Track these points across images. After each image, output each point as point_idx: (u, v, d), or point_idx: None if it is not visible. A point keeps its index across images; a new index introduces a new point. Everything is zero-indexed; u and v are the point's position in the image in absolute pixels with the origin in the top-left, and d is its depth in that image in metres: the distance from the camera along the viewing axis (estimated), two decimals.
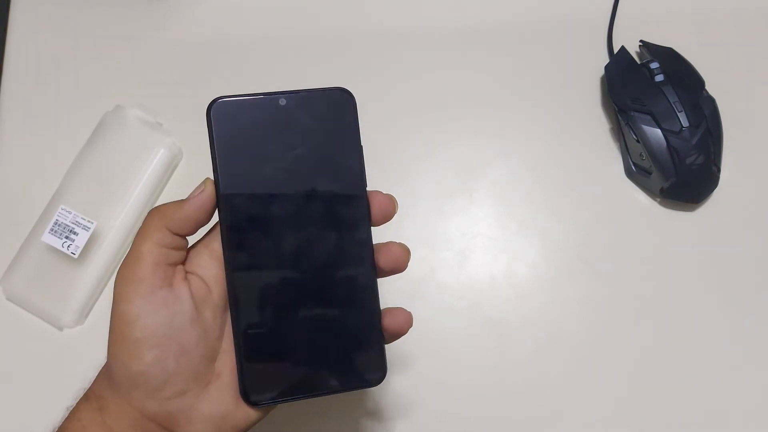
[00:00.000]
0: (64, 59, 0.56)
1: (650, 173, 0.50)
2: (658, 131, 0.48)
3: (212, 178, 0.31)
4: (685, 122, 0.48)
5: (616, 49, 0.53)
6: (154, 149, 0.50)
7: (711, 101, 0.50)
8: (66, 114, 0.54)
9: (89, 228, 0.47)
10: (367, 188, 0.31)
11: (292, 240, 0.31)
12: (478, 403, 0.48)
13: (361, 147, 0.31)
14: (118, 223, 0.49)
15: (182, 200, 0.31)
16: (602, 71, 0.53)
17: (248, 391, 0.31)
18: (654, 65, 0.50)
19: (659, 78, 0.49)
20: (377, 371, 0.31)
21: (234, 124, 0.31)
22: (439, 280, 0.50)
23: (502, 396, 0.48)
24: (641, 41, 0.53)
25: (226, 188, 0.30)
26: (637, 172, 0.51)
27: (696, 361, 0.48)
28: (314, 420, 0.47)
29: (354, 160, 0.31)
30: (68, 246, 0.47)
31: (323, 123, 0.31)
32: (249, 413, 0.31)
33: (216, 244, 0.31)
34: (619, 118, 0.51)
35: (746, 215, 0.51)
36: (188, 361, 0.29)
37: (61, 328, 0.50)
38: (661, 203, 0.51)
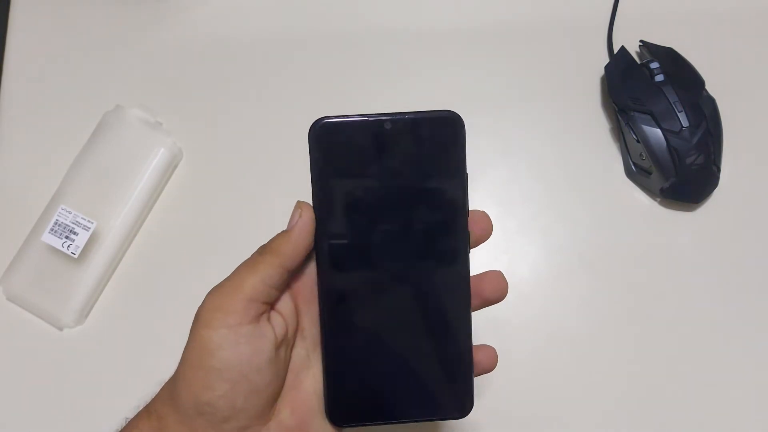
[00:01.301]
0: (64, 59, 0.56)
1: (650, 173, 0.50)
2: (658, 131, 0.48)
3: (302, 202, 0.30)
4: (685, 122, 0.48)
5: (616, 49, 0.53)
6: (154, 149, 0.50)
7: (711, 101, 0.50)
8: (66, 114, 0.54)
9: (89, 228, 0.47)
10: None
11: (390, 268, 0.30)
12: (478, 403, 0.48)
13: (466, 175, 0.30)
14: (118, 223, 0.49)
15: (285, 231, 0.30)
16: (602, 71, 0.53)
17: (334, 412, 0.31)
18: (654, 65, 0.50)
19: (659, 78, 0.49)
20: (464, 403, 0.31)
21: (336, 146, 0.29)
22: None
23: (502, 396, 0.48)
24: (641, 41, 0.53)
25: (323, 212, 0.30)
26: (637, 172, 0.51)
27: (696, 360, 0.48)
28: None
29: (458, 188, 0.30)
30: (68, 246, 0.47)
31: (429, 148, 0.29)
32: None
33: (293, 279, 0.31)
34: (619, 118, 0.51)
35: (746, 215, 0.51)
36: (257, 400, 0.29)
37: (61, 328, 0.50)
38: (661, 203, 0.51)
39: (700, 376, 0.48)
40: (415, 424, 0.31)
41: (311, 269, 0.31)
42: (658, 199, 0.51)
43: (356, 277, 0.30)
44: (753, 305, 0.49)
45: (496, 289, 0.33)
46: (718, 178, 0.50)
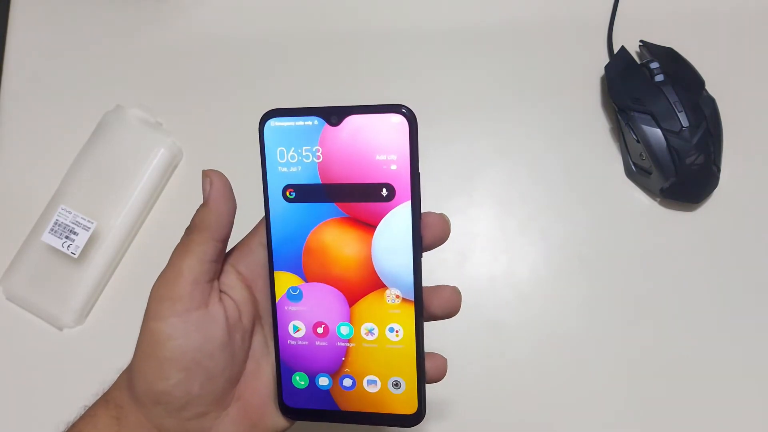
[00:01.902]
0: (64, 59, 0.56)
1: (650, 173, 0.50)
2: (658, 131, 0.48)
3: (207, 170, 0.31)
4: (685, 122, 0.48)
5: (616, 49, 0.53)
6: (154, 149, 0.50)
7: (711, 101, 0.50)
8: (66, 114, 0.54)
9: (89, 228, 0.47)
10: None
11: (340, 262, 0.30)
12: (478, 403, 0.48)
13: (417, 174, 0.29)
14: (118, 222, 0.49)
15: (203, 204, 0.30)
16: (602, 71, 0.53)
17: (285, 404, 0.31)
18: (654, 65, 0.50)
19: (659, 78, 0.49)
20: (416, 411, 0.31)
21: (285, 138, 0.29)
22: (438, 280, 0.49)
23: (501, 396, 0.48)
24: (641, 41, 0.53)
25: (273, 206, 0.30)
26: (637, 172, 0.51)
27: (695, 360, 0.48)
28: None
29: (407, 187, 0.29)
30: (68, 246, 0.47)
31: (378, 143, 0.29)
32: None
33: (242, 266, 0.31)
34: (619, 118, 0.51)
35: (746, 215, 0.51)
36: (213, 386, 0.29)
37: (61, 328, 0.50)
38: (661, 203, 0.51)
39: (700, 375, 0.48)
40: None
41: (264, 260, 0.31)
42: (658, 199, 0.51)
43: (306, 270, 0.30)
44: (753, 305, 0.49)
45: (446, 306, 0.30)
46: (718, 178, 0.50)
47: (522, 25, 0.55)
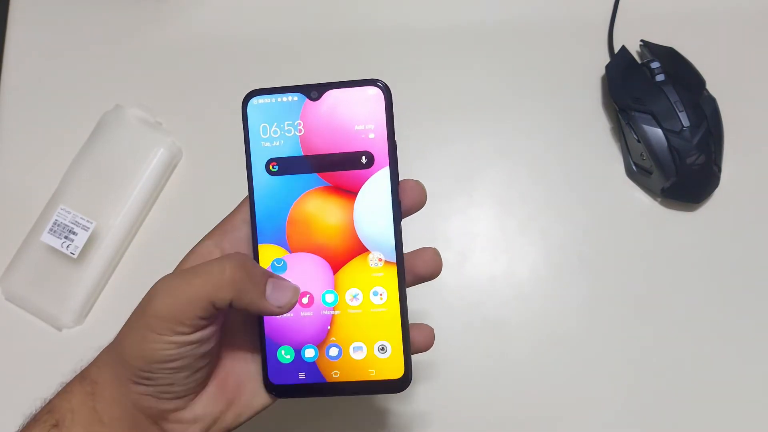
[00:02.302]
0: (64, 59, 0.56)
1: (651, 173, 0.50)
2: (659, 131, 0.48)
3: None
4: (685, 122, 0.48)
5: (616, 49, 0.53)
6: (153, 149, 0.50)
7: (712, 101, 0.50)
8: (66, 114, 0.54)
9: (89, 228, 0.47)
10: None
11: (323, 229, 0.31)
12: (478, 402, 0.48)
13: (394, 142, 0.31)
14: (117, 222, 0.49)
15: (262, 293, 0.29)
16: (603, 71, 0.53)
17: (271, 382, 0.31)
18: (655, 65, 0.50)
19: (660, 78, 0.49)
20: (402, 376, 0.31)
21: (267, 115, 0.31)
22: (438, 280, 0.49)
23: (501, 396, 0.48)
24: (642, 41, 0.53)
25: (257, 175, 0.31)
26: (637, 172, 0.51)
27: (696, 360, 0.48)
28: (315, 417, 0.47)
29: (386, 155, 0.31)
30: (67, 246, 0.47)
31: (356, 115, 0.30)
32: (239, 414, 0.31)
33: (226, 243, 0.31)
34: (620, 117, 0.50)
35: (747, 215, 0.50)
36: (197, 376, 0.29)
37: (60, 328, 0.50)
38: (661, 203, 0.51)
39: (700, 375, 0.47)
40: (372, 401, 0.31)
41: (248, 236, 0.31)
42: (659, 199, 0.51)
43: (289, 241, 0.31)
44: (753, 305, 0.49)
45: (429, 266, 0.32)
46: (718, 178, 0.50)
47: (522, 25, 0.55)
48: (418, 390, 0.48)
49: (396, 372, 0.31)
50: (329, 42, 0.56)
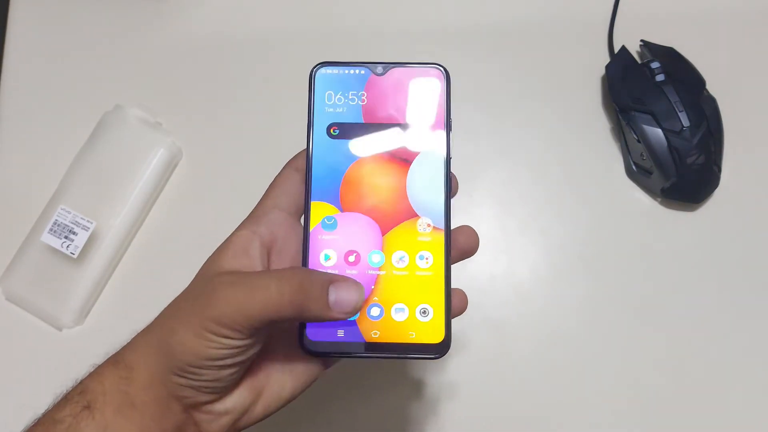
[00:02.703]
0: (64, 59, 0.56)
1: (651, 173, 0.50)
2: (659, 131, 0.48)
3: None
4: (685, 122, 0.48)
5: (616, 49, 0.53)
6: (153, 149, 0.50)
7: (712, 101, 0.50)
8: (66, 114, 0.54)
9: (89, 228, 0.47)
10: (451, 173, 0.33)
11: (376, 192, 0.32)
12: (478, 402, 0.48)
13: (450, 122, 0.33)
14: (117, 222, 0.49)
15: (327, 303, 0.28)
16: (603, 71, 0.53)
17: (308, 338, 0.31)
18: (655, 65, 0.50)
19: (660, 78, 0.49)
20: (442, 341, 0.31)
21: (333, 84, 0.33)
22: None
23: (502, 396, 0.48)
24: (642, 41, 0.53)
25: (318, 137, 0.32)
26: (637, 172, 0.51)
27: (696, 360, 0.48)
28: (319, 409, 0.47)
29: (441, 135, 0.33)
30: (68, 246, 0.47)
31: (416, 95, 0.33)
32: (268, 406, 0.31)
33: (263, 227, 0.31)
34: (620, 117, 0.50)
35: (747, 215, 0.50)
36: (239, 374, 0.30)
37: (60, 328, 0.50)
38: (661, 203, 0.51)
39: (700, 375, 0.47)
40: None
41: (283, 222, 0.32)
42: (659, 199, 0.51)
43: (342, 204, 0.32)
44: (753, 305, 0.49)
45: (471, 240, 0.33)
46: (718, 178, 0.50)
47: (522, 25, 0.55)
48: (417, 389, 0.48)
49: (436, 336, 0.31)
50: (330, 42, 0.56)
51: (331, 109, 0.33)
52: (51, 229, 0.47)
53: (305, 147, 0.33)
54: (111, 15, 0.57)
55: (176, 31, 0.56)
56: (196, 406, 0.30)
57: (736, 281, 0.49)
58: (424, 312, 0.31)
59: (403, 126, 0.32)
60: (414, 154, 0.32)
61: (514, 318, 0.49)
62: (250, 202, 0.52)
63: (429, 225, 0.32)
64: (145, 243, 0.52)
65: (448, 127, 0.33)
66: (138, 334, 0.31)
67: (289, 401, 0.32)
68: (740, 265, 0.49)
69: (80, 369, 0.52)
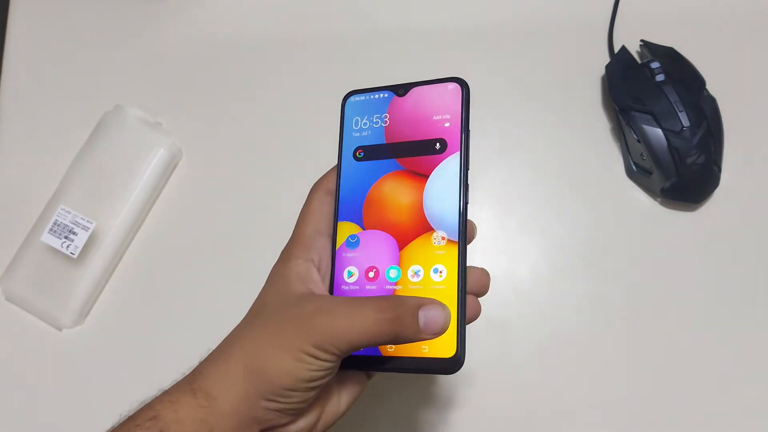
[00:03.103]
0: (64, 59, 0.56)
1: (651, 173, 0.50)
2: (659, 131, 0.48)
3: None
4: (685, 122, 0.48)
5: (616, 49, 0.53)
6: (153, 149, 0.50)
7: (712, 101, 0.50)
8: (66, 114, 0.54)
9: (89, 228, 0.47)
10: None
11: (394, 208, 0.33)
12: (478, 402, 0.48)
13: (468, 130, 0.33)
14: (117, 222, 0.49)
15: (417, 325, 0.29)
16: (603, 71, 0.53)
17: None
18: (655, 65, 0.50)
19: (660, 78, 0.49)
20: (454, 355, 0.31)
21: (360, 110, 0.35)
22: None
23: (502, 396, 0.48)
24: (642, 41, 0.53)
25: (345, 162, 0.34)
26: (637, 172, 0.51)
27: (696, 360, 0.48)
28: None
29: (457, 137, 0.33)
30: (67, 246, 0.47)
31: (434, 107, 0.33)
32: (327, 422, 0.32)
33: (314, 256, 0.33)
34: (620, 117, 0.50)
35: (747, 215, 0.50)
36: (319, 394, 0.31)
37: (60, 328, 0.50)
38: (661, 203, 0.51)
39: (700, 375, 0.47)
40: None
41: (328, 247, 0.33)
42: (659, 199, 0.51)
43: (364, 222, 0.33)
44: (753, 305, 0.49)
45: (479, 284, 0.34)
46: (718, 178, 0.50)
47: (522, 25, 0.55)
48: (418, 389, 0.48)
49: (448, 351, 0.31)
50: (329, 42, 0.56)
51: (358, 134, 0.34)
52: (51, 229, 0.47)
53: (332, 169, 0.34)
54: (111, 15, 0.57)
55: (176, 32, 0.56)
56: (273, 428, 0.30)
57: (736, 281, 0.49)
58: None
59: (421, 142, 0.33)
60: (431, 168, 0.33)
61: (514, 318, 0.49)
62: (249, 202, 0.52)
63: (443, 238, 0.32)
64: (145, 243, 0.52)
65: (465, 137, 0.33)
66: (212, 360, 0.31)
67: (342, 415, 0.33)
68: (740, 265, 0.49)
69: (80, 369, 0.52)
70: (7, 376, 0.49)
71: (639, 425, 0.47)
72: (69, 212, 0.47)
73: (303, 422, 0.31)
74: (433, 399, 0.48)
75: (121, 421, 0.30)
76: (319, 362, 0.28)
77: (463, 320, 0.31)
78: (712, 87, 0.50)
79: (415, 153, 0.33)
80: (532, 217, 0.51)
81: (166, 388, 0.31)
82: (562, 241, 0.50)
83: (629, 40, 0.53)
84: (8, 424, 0.49)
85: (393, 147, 0.33)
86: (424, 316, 0.29)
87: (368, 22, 0.56)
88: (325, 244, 0.33)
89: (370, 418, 0.47)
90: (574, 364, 0.48)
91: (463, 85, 0.34)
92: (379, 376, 0.48)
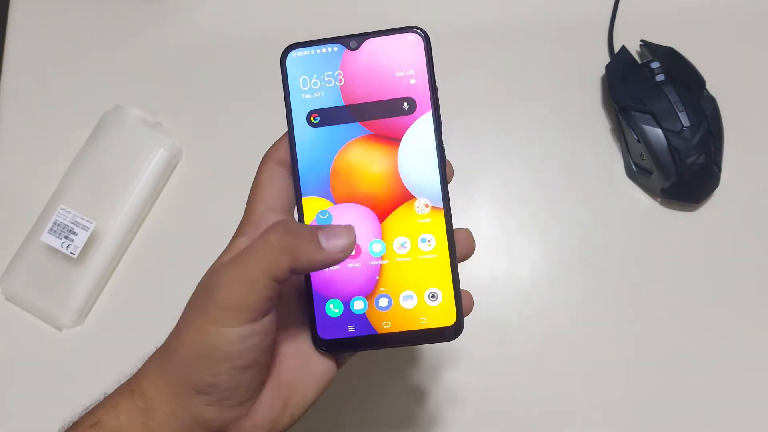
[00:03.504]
0: (64, 59, 0.56)
1: (651, 173, 0.50)
2: (659, 131, 0.48)
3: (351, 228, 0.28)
4: (685, 122, 0.48)
5: (616, 49, 0.53)
6: (153, 149, 0.50)
7: (712, 101, 0.50)
8: (66, 114, 0.54)
9: (88, 228, 0.47)
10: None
11: (367, 178, 0.30)
12: (478, 402, 0.48)
13: (436, 89, 0.31)
14: (117, 222, 0.49)
15: (318, 244, 0.27)
16: (603, 71, 0.53)
17: (320, 337, 0.30)
18: (655, 65, 0.50)
19: (660, 78, 0.49)
20: (454, 323, 0.30)
21: (306, 67, 0.31)
22: None
23: (502, 396, 0.48)
24: (642, 41, 0.53)
25: (298, 128, 0.31)
26: (637, 172, 0.51)
27: (696, 360, 0.48)
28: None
29: (428, 104, 0.30)
30: (67, 246, 0.47)
31: (396, 64, 0.30)
32: (293, 414, 0.30)
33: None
34: (620, 117, 0.50)
35: (747, 215, 0.50)
36: (262, 375, 0.29)
37: (60, 328, 0.50)
38: (661, 203, 0.51)
39: (700, 375, 0.47)
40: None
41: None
42: (659, 199, 0.51)
43: (336, 196, 0.30)
44: (753, 305, 0.49)
45: (465, 245, 0.31)
46: (718, 178, 0.50)
47: (522, 25, 0.55)
48: (418, 389, 0.48)
49: (448, 319, 0.30)
50: None
51: (309, 95, 0.31)
52: (51, 229, 0.47)
53: (283, 137, 0.31)
54: (111, 15, 0.57)
55: (176, 32, 0.56)
56: (224, 428, 0.28)
57: (736, 281, 0.49)
58: (433, 296, 0.30)
59: (386, 102, 0.30)
60: (402, 131, 0.30)
61: (514, 318, 0.49)
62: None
63: (427, 205, 0.30)
64: (145, 243, 0.52)
65: (434, 94, 0.30)
66: (149, 358, 0.29)
67: (312, 405, 0.31)
68: (740, 265, 0.49)
69: (80, 369, 0.52)
70: (7, 376, 0.49)
71: (639, 425, 0.47)
72: (69, 212, 0.47)
73: (260, 416, 0.29)
74: (431, 397, 0.48)
75: (64, 428, 0.29)
76: (233, 329, 0.26)
77: (458, 287, 0.30)
78: (712, 87, 0.50)
79: (380, 115, 0.30)
80: (532, 217, 0.51)
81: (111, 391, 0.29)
82: (562, 241, 0.50)
83: (629, 40, 0.53)
84: (8, 424, 0.49)
85: (354, 109, 0.30)
86: (325, 236, 0.27)
87: (368, 23, 0.56)
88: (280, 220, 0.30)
89: (365, 416, 0.47)
90: (574, 364, 0.48)
91: (424, 35, 0.31)
92: (373, 373, 0.48)
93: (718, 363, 0.48)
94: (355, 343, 0.30)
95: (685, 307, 0.49)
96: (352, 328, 0.30)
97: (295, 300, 0.31)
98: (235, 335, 0.26)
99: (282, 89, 0.31)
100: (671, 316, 0.49)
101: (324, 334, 0.30)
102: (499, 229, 0.51)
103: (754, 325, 0.48)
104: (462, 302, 0.30)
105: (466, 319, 0.31)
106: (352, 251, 0.28)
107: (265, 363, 0.28)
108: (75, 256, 0.47)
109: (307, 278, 0.31)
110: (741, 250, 0.50)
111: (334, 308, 0.30)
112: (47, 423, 0.49)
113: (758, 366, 0.48)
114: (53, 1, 0.57)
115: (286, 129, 0.31)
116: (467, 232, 0.32)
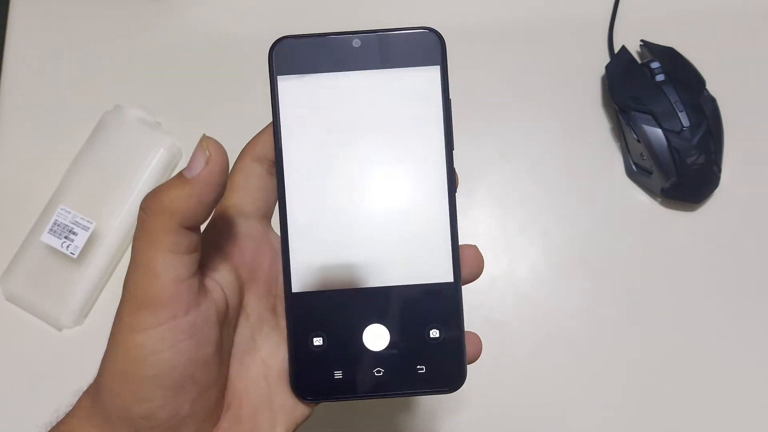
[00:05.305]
0: (63, 58, 0.56)
1: (651, 173, 0.50)
2: (659, 131, 0.48)
3: (209, 139, 0.24)
4: (685, 122, 0.48)
5: (616, 49, 0.53)
6: (153, 149, 0.50)
7: (712, 101, 0.50)
8: (66, 113, 0.54)
9: (89, 228, 0.47)
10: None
11: (364, 217, 0.27)
12: (478, 403, 0.48)
13: (449, 100, 0.27)
14: (117, 222, 0.49)
15: (183, 180, 0.23)
16: (603, 71, 0.53)
17: (300, 386, 0.27)
18: (655, 65, 0.50)
19: (660, 78, 0.49)
20: (455, 375, 0.27)
21: (299, 67, 0.26)
22: None
23: (501, 396, 0.48)
24: (642, 41, 0.53)
25: (288, 139, 0.26)
26: (637, 172, 0.51)
27: (696, 361, 0.48)
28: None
29: (438, 116, 0.27)
30: (67, 246, 0.47)
31: (404, 68, 0.27)
32: None
33: (230, 246, 0.26)
34: (620, 117, 0.50)
35: (747, 215, 0.50)
36: (206, 401, 0.24)
37: (60, 329, 0.50)
38: (661, 203, 0.51)
39: (700, 376, 0.47)
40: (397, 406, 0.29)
41: (252, 233, 0.26)
42: (659, 199, 0.51)
43: (325, 209, 0.27)
44: (753, 305, 0.49)
45: (473, 266, 0.28)
46: (718, 178, 0.50)
47: (522, 25, 0.55)
48: None
49: (449, 370, 0.28)
50: None
51: None
52: (51, 229, 0.47)
53: (263, 130, 0.28)
54: (111, 15, 0.57)
55: (176, 31, 0.56)
56: None
57: (736, 281, 0.49)
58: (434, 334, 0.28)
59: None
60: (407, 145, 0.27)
61: (514, 318, 0.49)
62: None
63: None
64: None
65: (447, 109, 0.27)
66: (83, 393, 0.26)
67: None
68: (740, 265, 0.49)
69: (80, 369, 0.52)
70: (7, 376, 0.49)
71: (639, 426, 0.47)
72: (69, 212, 0.47)
73: None
74: (430, 399, 0.48)
75: None
76: (148, 335, 0.22)
77: (462, 336, 0.28)
78: (712, 87, 0.50)
79: None
80: (532, 218, 0.51)
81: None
82: (562, 241, 0.50)
83: (629, 40, 0.53)
84: (8, 424, 0.48)
85: None
86: (187, 168, 0.23)
87: (368, 23, 0.56)
88: (251, 230, 0.27)
89: (365, 418, 0.47)
90: (574, 365, 0.48)
91: (438, 37, 0.27)
92: None
93: (719, 363, 0.48)
94: (340, 391, 0.27)
95: (686, 307, 0.49)
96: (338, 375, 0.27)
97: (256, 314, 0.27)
98: (158, 339, 0.22)
99: (270, 86, 0.27)
100: (671, 316, 0.49)
101: (306, 380, 0.27)
102: (499, 229, 0.51)
103: (754, 325, 0.48)
104: (465, 354, 0.28)
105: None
106: (223, 161, 0.23)
107: (208, 383, 0.24)
108: (75, 257, 0.47)
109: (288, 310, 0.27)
110: (741, 250, 0.50)
111: (317, 344, 0.27)
112: (47, 423, 0.49)
113: (758, 366, 0.48)
114: (53, 2, 0.57)
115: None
116: (477, 251, 0.29)
